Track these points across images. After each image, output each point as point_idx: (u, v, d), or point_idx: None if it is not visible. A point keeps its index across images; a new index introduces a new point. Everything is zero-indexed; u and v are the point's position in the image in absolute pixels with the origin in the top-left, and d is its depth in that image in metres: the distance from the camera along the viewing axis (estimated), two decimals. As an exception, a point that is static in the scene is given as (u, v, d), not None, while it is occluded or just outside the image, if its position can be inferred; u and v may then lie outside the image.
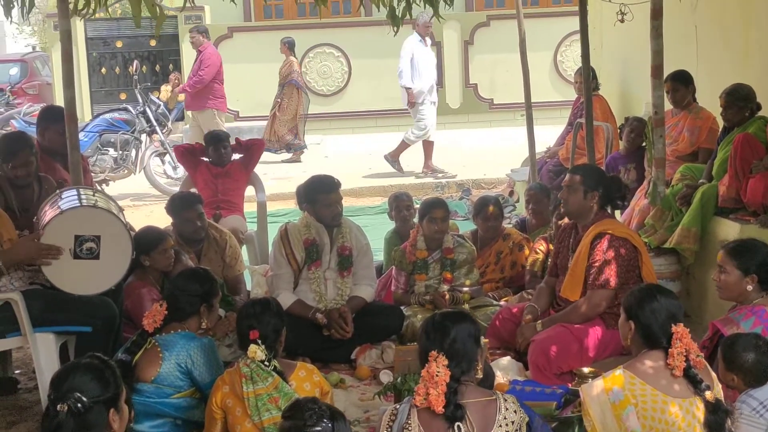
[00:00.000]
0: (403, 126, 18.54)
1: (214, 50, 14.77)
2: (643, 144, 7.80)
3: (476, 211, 7.25)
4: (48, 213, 5.22)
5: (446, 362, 3.41)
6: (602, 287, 5.49)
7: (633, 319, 3.90)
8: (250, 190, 8.84)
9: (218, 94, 14.27)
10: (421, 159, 14.32)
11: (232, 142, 8.78)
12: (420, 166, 14.32)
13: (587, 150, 7.90)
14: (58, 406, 3.14)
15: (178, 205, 6.73)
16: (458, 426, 3.33)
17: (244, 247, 7.86)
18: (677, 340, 3.72)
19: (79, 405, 3.13)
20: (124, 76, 20.56)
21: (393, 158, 14.00)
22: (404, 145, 14.00)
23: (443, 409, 3.34)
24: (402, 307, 6.51)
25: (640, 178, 7.88)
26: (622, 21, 8.19)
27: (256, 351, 4.24)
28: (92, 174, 13.00)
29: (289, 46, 15.97)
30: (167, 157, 13.42)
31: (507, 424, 3.42)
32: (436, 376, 3.37)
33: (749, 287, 4.56)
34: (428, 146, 13.88)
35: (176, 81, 19.00)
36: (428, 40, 13.97)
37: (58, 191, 5.61)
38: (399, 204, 7.61)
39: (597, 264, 5.52)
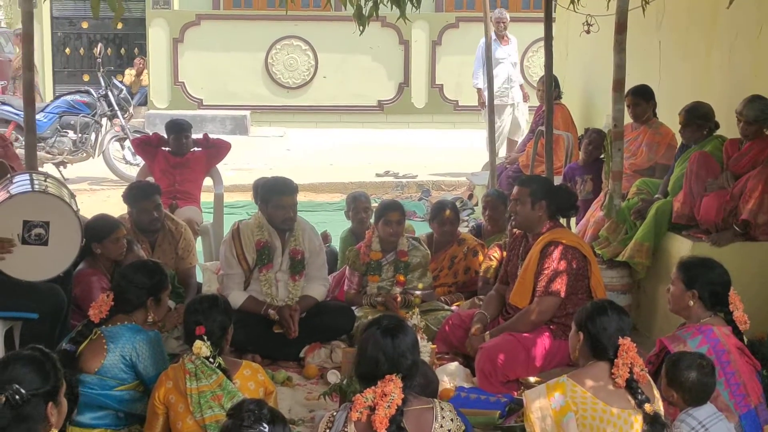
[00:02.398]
0: (369, 123, 18.63)
1: None
2: (602, 156, 7.85)
3: (433, 215, 7.26)
4: (-2, 196, 5.16)
5: (402, 384, 3.42)
6: (551, 295, 5.53)
7: (582, 330, 3.97)
8: (207, 181, 8.79)
9: None
10: (384, 158, 14.30)
11: (196, 132, 8.73)
12: (384, 165, 14.30)
13: (546, 158, 7.94)
14: (-4, 397, 3.11)
15: (136, 194, 6.70)
16: None
17: (198, 239, 7.81)
18: (623, 352, 3.81)
19: (17, 397, 3.10)
20: (89, 57, 20.40)
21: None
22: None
23: (385, 431, 3.33)
24: (353, 308, 6.51)
25: (597, 189, 7.93)
26: (588, 32, 8.22)
27: (202, 347, 4.21)
28: (50, 155, 12.94)
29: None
30: (127, 143, 13.30)
31: (443, 432, 3.43)
32: (391, 398, 3.36)
33: (690, 302, 4.60)
34: (512, 145, 12.55)
35: (141, 66, 18.87)
36: (509, 38, 12.84)
37: (9, 175, 5.55)
38: (357, 205, 7.61)
39: (547, 272, 5.56)
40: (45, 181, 5.43)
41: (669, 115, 7.47)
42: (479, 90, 12.48)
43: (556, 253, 5.56)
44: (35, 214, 5.02)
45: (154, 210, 6.61)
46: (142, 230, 6.61)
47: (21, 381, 3.14)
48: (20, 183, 5.31)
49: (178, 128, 8.48)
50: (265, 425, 3.00)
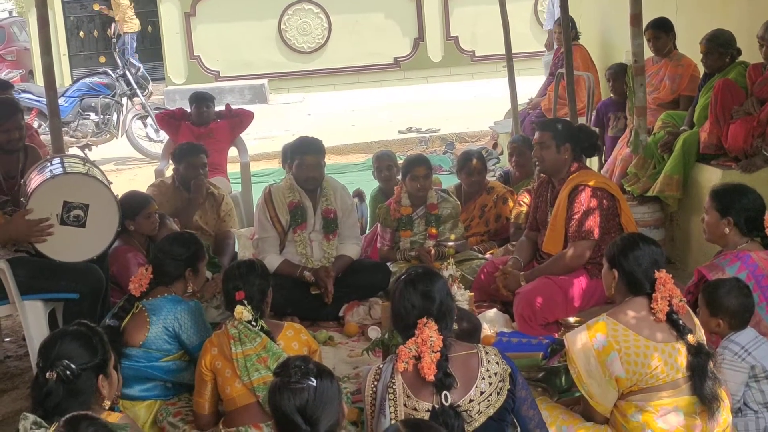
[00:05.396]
0: (387, 81, 18.57)
1: None
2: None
3: (459, 165, 7.25)
4: (37, 178, 5.21)
5: (436, 327, 3.43)
6: (584, 238, 5.52)
7: (616, 268, 3.93)
8: (232, 152, 8.84)
9: None
10: (405, 115, 14.26)
11: (216, 104, 8.81)
12: (406, 122, 14.24)
13: (568, 100, 7.90)
14: (47, 374, 3.17)
15: (186, 149, 6.98)
16: (446, 395, 3.34)
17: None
18: (660, 285, 3.77)
19: (67, 372, 3.16)
20: (103, 39, 20.39)
21: None
22: None
23: (433, 377, 3.35)
24: (388, 264, 6.54)
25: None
26: (600, -31, 8.15)
27: (243, 312, 4.24)
28: (74, 139, 13.02)
29: None
30: (149, 120, 13.36)
31: (490, 376, 3.44)
32: (430, 342, 3.38)
33: (726, 230, 4.59)
34: None
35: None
36: None
37: (48, 157, 5.60)
38: (380, 164, 7.61)
39: (577, 216, 5.54)
40: (84, 164, 5.48)
41: (688, 46, 7.41)
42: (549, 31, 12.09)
43: (584, 196, 5.54)
44: (75, 195, 5.07)
45: (200, 167, 6.82)
46: (187, 188, 6.80)
47: (70, 356, 3.20)
48: (60, 165, 5.37)
49: (200, 98, 8.64)
50: (312, 379, 3.03)
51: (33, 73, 19.43)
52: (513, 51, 9.84)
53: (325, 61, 18.83)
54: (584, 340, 3.78)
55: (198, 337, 4.59)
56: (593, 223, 5.50)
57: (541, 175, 6.08)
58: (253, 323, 4.25)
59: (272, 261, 6.09)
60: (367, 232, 7.26)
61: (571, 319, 5.16)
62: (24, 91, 13.13)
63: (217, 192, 6.95)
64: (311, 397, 3.00)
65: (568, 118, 7.61)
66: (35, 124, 11.88)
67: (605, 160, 7.94)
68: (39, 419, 3.05)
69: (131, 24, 18.33)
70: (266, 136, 14.24)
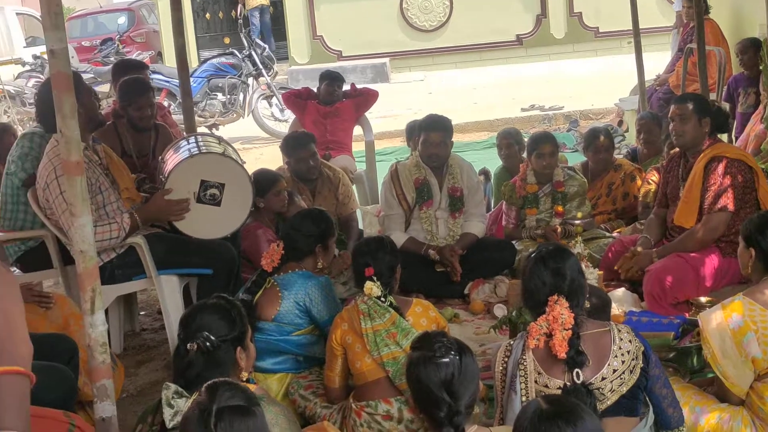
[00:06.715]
0: (509, 59, 18.42)
1: None
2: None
3: (586, 143, 7.16)
4: (174, 158, 5.38)
5: (567, 304, 3.41)
6: (720, 211, 5.38)
7: (753, 246, 3.85)
8: (357, 130, 8.93)
9: None
10: (527, 93, 14.13)
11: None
12: (529, 100, 14.12)
13: (699, 75, 7.70)
14: (188, 345, 3.27)
15: (292, 144, 6.85)
16: (577, 372, 3.33)
17: (354, 187, 7.95)
18: (802, 263, 3.67)
19: (207, 344, 3.26)
20: (228, 20, 20.78)
21: None
22: None
23: (565, 355, 3.34)
24: (513, 242, 6.52)
25: (758, 103, 7.67)
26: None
27: (372, 287, 4.28)
28: (202, 118, 13.35)
29: None
30: (274, 100, 13.57)
31: (623, 354, 3.40)
32: (562, 319, 3.37)
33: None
34: None
35: None
36: None
37: (184, 136, 5.76)
38: (500, 142, 7.58)
39: (713, 188, 5.40)
40: (219, 144, 5.63)
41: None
42: (678, 12, 11.89)
43: (721, 168, 5.40)
44: (213, 175, 5.23)
45: (310, 158, 6.74)
46: (302, 179, 6.76)
47: (210, 328, 3.30)
48: (198, 144, 5.54)
49: (332, 77, 8.76)
50: (456, 354, 3.05)
51: (162, 54, 19.94)
52: (639, 26, 9.64)
53: (447, 39, 18.77)
54: (719, 320, 3.71)
55: (328, 311, 4.67)
56: (729, 196, 5.35)
57: (671, 152, 5.96)
58: (383, 299, 4.29)
59: (397, 238, 6.11)
60: (492, 210, 7.24)
61: (703, 299, 5.07)
62: (154, 72, 13.49)
63: (332, 175, 6.92)
64: (456, 372, 3.02)
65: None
66: (165, 104, 12.21)
67: (736, 137, 7.73)
68: (180, 389, 3.15)
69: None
70: (388, 114, 14.30)
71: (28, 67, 16.81)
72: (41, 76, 15.49)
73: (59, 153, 4.39)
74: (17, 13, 19.59)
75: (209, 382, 2.79)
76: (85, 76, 11.93)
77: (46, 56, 3.82)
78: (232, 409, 2.63)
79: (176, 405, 3.08)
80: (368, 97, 8.83)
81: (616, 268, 5.74)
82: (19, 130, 8.89)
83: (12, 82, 15.98)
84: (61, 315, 4.83)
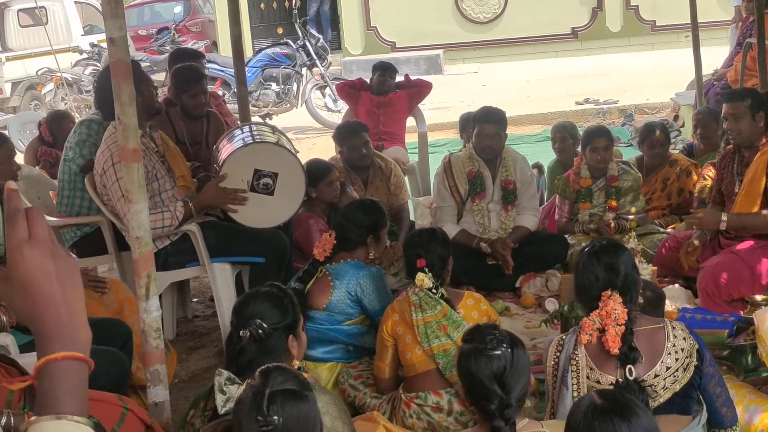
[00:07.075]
0: (563, 52, 18.29)
1: None
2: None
3: (642, 137, 7.09)
4: (228, 146, 5.42)
5: (620, 300, 3.38)
6: None
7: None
8: (410, 121, 8.92)
9: None
10: (582, 86, 14.03)
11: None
12: (583, 93, 14.01)
13: (759, 71, 7.58)
14: (241, 332, 3.31)
15: (345, 133, 6.88)
16: (630, 369, 3.30)
17: (406, 178, 7.95)
18: None
19: (260, 331, 3.29)
20: (281, 10, 20.85)
21: None
22: None
23: (618, 351, 3.31)
24: (566, 236, 6.48)
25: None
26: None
27: (424, 279, 4.28)
28: (255, 108, 13.44)
29: None
30: (327, 90, 13.60)
31: (676, 351, 3.36)
32: (615, 315, 3.34)
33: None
34: None
35: None
36: None
37: (239, 124, 5.80)
38: (554, 135, 7.54)
39: None
40: (273, 133, 5.67)
41: None
42: (737, 7, 11.70)
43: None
44: (266, 164, 5.26)
45: (363, 147, 6.75)
46: (354, 168, 6.77)
47: (263, 316, 3.33)
48: (253, 133, 5.57)
49: (385, 67, 8.76)
50: (507, 347, 3.05)
51: (216, 44, 20.08)
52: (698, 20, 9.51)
53: (501, 31, 18.67)
54: (776, 319, 3.66)
55: (379, 302, 4.68)
56: None
57: (728, 148, 5.86)
58: (434, 291, 4.28)
59: (449, 230, 6.10)
60: (545, 203, 7.20)
61: (758, 297, 5.00)
62: (209, 62, 13.58)
63: (385, 165, 6.92)
64: (508, 365, 3.02)
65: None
66: (220, 93, 12.30)
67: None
68: (232, 375, 3.18)
69: None
70: (441, 106, 14.27)
71: (85, 55, 17.00)
72: (98, 64, 15.67)
73: (117, 140, 4.44)
74: (75, 2, 19.79)
75: (263, 367, 2.81)
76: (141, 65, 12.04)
77: (103, 44, 3.87)
78: (285, 392, 2.65)
79: (228, 391, 3.10)
80: (422, 89, 8.82)
81: (681, 257, 5.62)
82: (77, 117, 9.01)
83: (69, 69, 16.18)
84: (115, 300, 4.90)
